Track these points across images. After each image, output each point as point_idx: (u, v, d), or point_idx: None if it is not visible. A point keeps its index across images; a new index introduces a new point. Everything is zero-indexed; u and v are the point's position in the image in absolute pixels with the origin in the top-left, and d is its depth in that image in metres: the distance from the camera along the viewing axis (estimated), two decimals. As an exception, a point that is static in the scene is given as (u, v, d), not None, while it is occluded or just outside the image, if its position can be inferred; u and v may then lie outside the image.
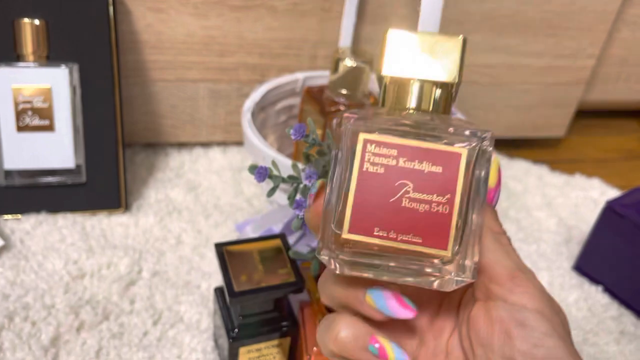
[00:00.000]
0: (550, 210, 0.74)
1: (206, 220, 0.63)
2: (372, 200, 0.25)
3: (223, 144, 0.76)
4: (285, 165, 0.48)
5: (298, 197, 0.39)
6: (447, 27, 0.73)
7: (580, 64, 0.83)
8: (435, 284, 0.25)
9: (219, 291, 0.46)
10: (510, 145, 0.89)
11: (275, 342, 0.45)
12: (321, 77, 0.66)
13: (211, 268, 0.57)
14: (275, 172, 0.41)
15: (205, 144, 0.75)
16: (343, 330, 0.26)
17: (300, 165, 0.43)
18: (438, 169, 0.25)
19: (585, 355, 0.54)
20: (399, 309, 0.26)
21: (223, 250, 0.44)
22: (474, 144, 0.25)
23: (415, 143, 0.25)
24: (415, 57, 0.26)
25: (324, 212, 0.26)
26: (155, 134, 0.72)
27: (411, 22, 0.70)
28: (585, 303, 0.60)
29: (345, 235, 0.25)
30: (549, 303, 0.25)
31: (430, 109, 0.27)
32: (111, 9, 0.57)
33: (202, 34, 0.66)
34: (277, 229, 0.55)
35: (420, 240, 0.25)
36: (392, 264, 0.25)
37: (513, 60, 0.79)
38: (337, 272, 0.25)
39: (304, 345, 0.45)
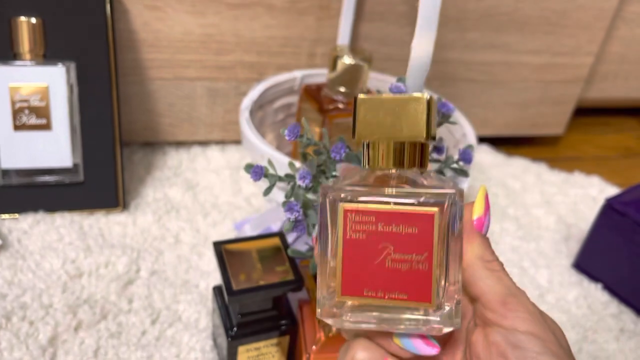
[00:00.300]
0: (549, 208, 0.74)
1: (204, 219, 0.63)
2: (359, 264, 0.27)
3: (221, 142, 0.76)
4: (283, 163, 0.48)
5: (290, 200, 0.39)
6: (446, 24, 0.73)
7: (578, 61, 0.83)
8: (425, 329, 0.27)
9: (217, 290, 0.46)
10: (509, 143, 0.89)
11: (274, 340, 0.45)
12: (319, 75, 0.66)
13: (209, 267, 0.57)
14: (271, 171, 0.41)
15: (204, 143, 0.75)
16: (359, 353, 0.28)
17: (297, 164, 0.43)
18: (414, 230, 0.27)
19: (585, 353, 0.54)
20: (425, 347, 0.28)
21: (221, 249, 0.43)
22: (444, 202, 0.27)
23: (390, 208, 0.27)
24: (384, 120, 0.28)
25: (317, 272, 0.28)
26: (153, 133, 0.72)
27: (409, 19, 0.70)
28: (585, 301, 0.60)
29: (339, 297, 0.28)
30: (540, 323, 0.26)
31: (408, 165, 0.28)
32: (108, 7, 0.57)
33: (199, 32, 0.65)
34: (275, 227, 0.55)
35: (406, 297, 0.27)
36: (386, 315, 0.28)
37: (512, 58, 0.79)
38: (336, 327, 0.28)
39: (302, 343, 0.44)
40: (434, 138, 0.28)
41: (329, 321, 0.28)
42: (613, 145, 0.97)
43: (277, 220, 0.56)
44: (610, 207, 0.59)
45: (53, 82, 0.56)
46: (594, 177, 0.82)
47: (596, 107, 1.01)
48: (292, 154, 0.65)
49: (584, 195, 0.78)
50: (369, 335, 0.29)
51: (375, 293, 0.27)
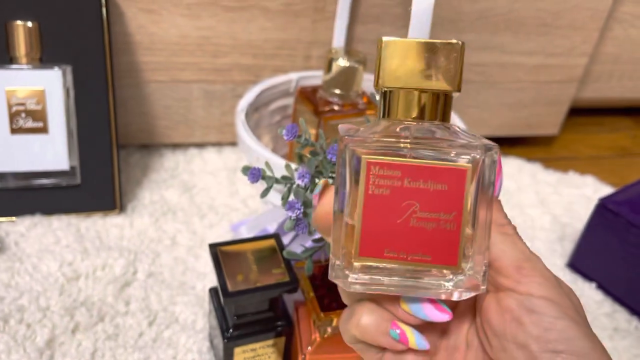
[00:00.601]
0: (544, 208, 0.75)
1: (201, 221, 0.63)
2: (380, 223, 0.25)
3: (218, 144, 0.76)
4: (279, 165, 0.48)
5: (291, 198, 0.39)
6: (440, 25, 0.73)
7: (573, 62, 0.83)
8: (445, 296, 0.26)
9: (213, 291, 0.47)
10: (504, 144, 0.89)
11: (270, 341, 0.45)
12: (315, 77, 0.66)
13: (206, 269, 0.57)
14: (268, 173, 0.41)
15: (200, 145, 0.75)
16: (365, 316, 0.27)
17: (294, 166, 0.43)
18: (443, 187, 0.25)
19: (579, 352, 0.55)
20: (436, 313, 0.26)
21: (217, 251, 0.44)
22: (478, 157, 0.25)
23: (419, 162, 0.25)
24: (412, 66, 0.26)
25: (334, 225, 0.26)
26: (149, 135, 0.72)
27: (404, 21, 0.71)
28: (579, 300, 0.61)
29: (356, 259, 0.26)
30: (556, 288, 0.25)
31: (432, 117, 0.26)
32: (104, 10, 0.57)
33: (195, 35, 0.66)
34: (272, 229, 0.55)
35: (429, 258, 0.25)
36: (404, 279, 0.26)
37: (506, 59, 0.80)
38: (350, 289, 0.26)
39: (298, 344, 0.45)
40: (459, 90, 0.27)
41: (339, 283, 0.26)
42: (608, 145, 0.97)
43: (273, 222, 0.56)
44: (603, 207, 0.60)
45: (49, 85, 0.57)
46: (588, 177, 0.82)
47: (591, 107, 1.02)
48: (288, 156, 0.65)
49: (579, 195, 0.78)
50: (374, 299, 0.27)
51: (397, 254, 0.25)
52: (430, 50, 0.26)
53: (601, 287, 0.62)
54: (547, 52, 0.81)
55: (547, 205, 0.75)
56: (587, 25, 0.80)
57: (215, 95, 0.71)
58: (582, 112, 1.02)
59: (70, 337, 0.48)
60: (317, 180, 0.41)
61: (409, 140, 0.25)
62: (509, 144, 0.90)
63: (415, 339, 0.27)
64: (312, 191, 0.41)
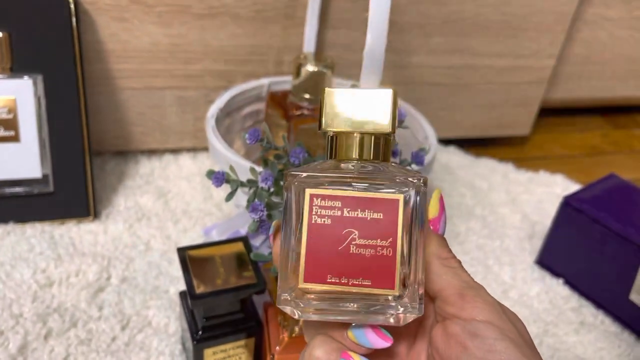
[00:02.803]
0: (514, 207, 0.76)
1: (175, 226, 0.64)
2: (322, 250, 0.27)
3: (192, 150, 0.77)
4: (245, 168, 0.49)
5: (255, 201, 0.40)
6: (410, 30, 0.75)
7: (541, 64, 0.85)
8: (391, 321, 0.27)
9: (183, 295, 0.47)
10: (477, 145, 0.91)
11: (241, 342, 0.46)
12: (286, 82, 0.67)
13: (179, 272, 0.58)
14: (233, 177, 0.42)
15: (175, 151, 0.76)
16: (316, 349, 0.28)
17: (258, 169, 0.44)
18: (379, 216, 0.27)
19: (545, 346, 0.56)
20: (377, 340, 0.28)
21: (185, 255, 0.45)
22: (409, 189, 0.27)
23: (356, 193, 0.27)
24: (352, 112, 0.29)
25: (280, 258, 0.28)
26: (124, 142, 0.73)
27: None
28: (547, 296, 0.62)
29: (301, 284, 0.27)
30: (498, 313, 0.27)
31: (372, 158, 0.29)
32: (74, 19, 0.58)
33: (166, 42, 0.66)
34: (244, 231, 0.56)
35: (369, 283, 0.27)
36: (349, 305, 0.27)
37: (476, 61, 0.81)
38: (297, 317, 0.28)
39: (267, 344, 0.46)
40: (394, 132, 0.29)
41: (287, 310, 0.28)
42: (578, 144, 0.99)
43: (244, 225, 0.57)
44: (568, 204, 0.61)
45: (20, 95, 0.57)
46: (558, 176, 0.84)
47: (562, 107, 1.04)
48: (260, 161, 0.66)
49: (549, 194, 0.80)
50: (326, 333, 0.29)
51: (339, 279, 0.27)
52: (366, 97, 0.29)
53: (568, 282, 0.64)
54: (515, 54, 0.83)
55: (518, 204, 0.77)
56: (553, 28, 0.82)
57: (188, 101, 0.72)
58: (554, 113, 1.04)
59: (42, 343, 0.49)
60: (281, 183, 0.42)
61: (349, 175, 0.28)
62: (482, 145, 0.92)
63: None
64: (276, 194, 0.43)
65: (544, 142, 0.98)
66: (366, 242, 0.27)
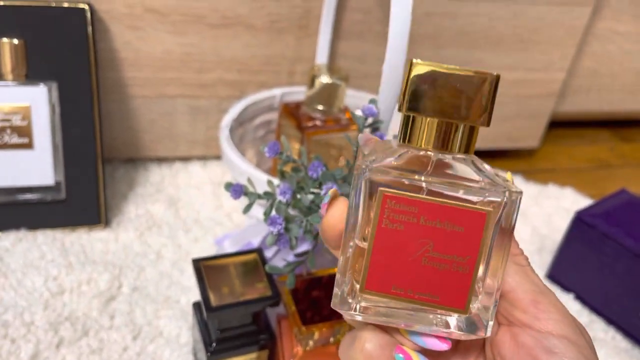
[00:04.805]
0: (524, 220, 0.76)
1: (186, 235, 0.64)
2: (390, 257, 0.24)
3: (203, 158, 0.77)
4: (261, 181, 0.49)
5: (273, 213, 0.40)
6: (422, 42, 0.75)
7: (551, 77, 0.85)
8: (448, 334, 0.25)
9: (197, 306, 0.47)
10: (486, 156, 0.91)
11: (253, 355, 0.46)
12: (298, 92, 0.67)
13: (191, 282, 0.57)
14: (250, 189, 0.42)
15: (185, 159, 0.76)
16: (369, 342, 0.26)
17: (276, 182, 0.44)
18: (460, 229, 0.24)
19: (557, 362, 0.56)
20: (435, 341, 0.26)
21: (200, 266, 0.45)
22: (499, 201, 0.24)
23: (437, 201, 0.24)
24: (440, 95, 0.24)
25: (339, 259, 0.25)
26: (135, 149, 0.73)
27: (386, 37, 0.72)
28: (557, 311, 0.62)
29: (362, 292, 0.25)
30: (573, 326, 0.25)
31: (454, 149, 0.25)
32: (90, 27, 0.58)
33: (179, 51, 0.67)
34: (255, 242, 0.56)
35: (438, 299, 0.25)
36: (410, 312, 0.25)
37: (486, 74, 0.81)
38: (361, 319, 0.26)
39: (281, 358, 0.46)
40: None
41: (342, 312, 0.26)
42: (587, 157, 0.99)
43: (257, 236, 0.57)
44: (580, 220, 0.61)
45: (35, 102, 0.57)
46: (567, 189, 0.84)
47: (571, 120, 1.04)
48: (272, 171, 0.66)
49: (558, 207, 0.80)
50: (377, 325, 0.27)
51: (405, 291, 0.25)
52: (461, 80, 0.24)
53: (579, 297, 0.63)
54: (526, 67, 0.83)
55: (527, 217, 0.77)
56: (565, 42, 0.82)
57: (200, 110, 0.72)
58: (562, 125, 1.04)
59: (54, 352, 0.48)
60: (298, 196, 0.42)
61: (430, 176, 0.24)
62: (491, 156, 0.92)
63: None
64: (294, 207, 0.42)
65: (552, 154, 0.98)
66: (441, 256, 0.24)
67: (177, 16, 0.64)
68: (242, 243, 0.56)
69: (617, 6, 0.86)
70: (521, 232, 0.73)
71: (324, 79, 0.58)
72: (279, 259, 0.51)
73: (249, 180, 0.43)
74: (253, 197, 0.42)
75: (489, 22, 0.76)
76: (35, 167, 0.59)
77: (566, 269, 0.64)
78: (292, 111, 0.62)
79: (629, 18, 0.88)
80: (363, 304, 0.25)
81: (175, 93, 0.70)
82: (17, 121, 0.57)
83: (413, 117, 0.25)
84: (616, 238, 0.58)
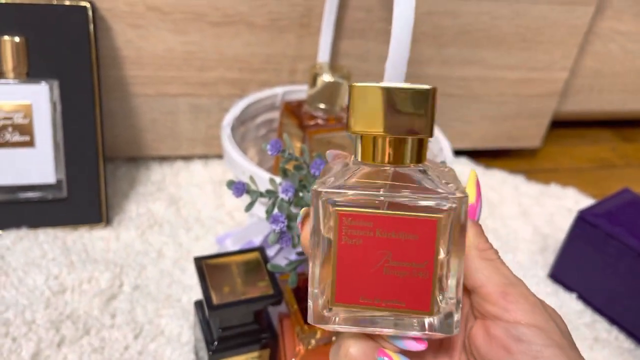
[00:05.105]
0: (526, 220, 0.76)
1: (187, 234, 0.63)
2: (354, 271, 0.26)
3: (204, 157, 0.77)
4: (263, 179, 0.49)
5: (275, 211, 0.40)
6: (423, 41, 0.75)
7: (553, 76, 0.85)
8: (421, 335, 0.27)
9: (198, 304, 0.47)
10: (487, 156, 0.91)
11: (255, 353, 0.46)
12: (300, 91, 0.67)
13: (192, 281, 0.57)
14: (252, 187, 0.42)
15: (187, 157, 0.76)
16: (352, 347, 0.27)
17: (278, 180, 0.44)
18: (415, 237, 0.25)
19: (559, 362, 0.56)
20: (412, 343, 0.27)
21: (202, 264, 0.44)
22: (447, 208, 0.25)
23: (390, 214, 0.25)
24: (384, 112, 0.26)
25: (309, 277, 0.27)
26: (136, 148, 0.73)
27: (388, 36, 0.72)
28: (560, 310, 0.62)
29: (333, 305, 0.26)
30: (543, 315, 0.26)
31: (405, 161, 0.26)
32: (91, 26, 0.58)
33: (181, 50, 0.66)
34: (257, 241, 0.56)
35: (404, 305, 0.26)
36: (387, 317, 0.27)
37: (488, 73, 0.81)
38: (340, 330, 0.27)
39: (283, 356, 0.45)
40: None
41: (321, 326, 0.27)
42: (589, 157, 0.99)
43: (258, 234, 0.56)
44: (582, 219, 0.61)
45: (36, 100, 0.57)
46: (569, 189, 0.84)
47: (573, 119, 1.04)
48: (274, 169, 0.66)
49: (560, 207, 0.79)
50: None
51: (372, 301, 0.26)
52: (401, 96, 0.25)
53: (582, 297, 0.63)
54: (528, 67, 0.83)
55: (529, 217, 0.76)
56: (567, 41, 0.82)
57: (201, 109, 0.72)
58: (564, 125, 1.04)
59: (55, 350, 0.48)
60: (300, 194, 0.42)
61: (381, 192, 0.26)
62: (492, 156, 0.92)
63: None
64: (296, 205, 0.42)
65: (554, 154, 0.98)
66: (400, 265, 0.26)
67: (179, 14, 0.64)
68: (244, 241, 0.56)
69: (620, 6, 0.85)
70: (523, 232, 0.73)
71: (326, 77, 0.58)
72: (281, 257, 0.51)
73: (251, 178, 0.43)
74: (255, 195, 0.42)
75: (490, 21, 0.76)
76: (36, 166, 0.59)
77: (569, 269, 0.64)
78: (293, 110, 0.62)
79: (632, 17, 0.88)
80: (341, 315, 0.27)
81: (176, 91, 0.69)
82: (18, 119, 0.57)
83: (361, 135, 0.27)
84: (619, 237, 0.58)
